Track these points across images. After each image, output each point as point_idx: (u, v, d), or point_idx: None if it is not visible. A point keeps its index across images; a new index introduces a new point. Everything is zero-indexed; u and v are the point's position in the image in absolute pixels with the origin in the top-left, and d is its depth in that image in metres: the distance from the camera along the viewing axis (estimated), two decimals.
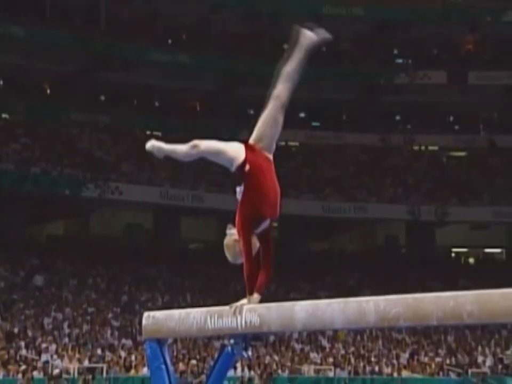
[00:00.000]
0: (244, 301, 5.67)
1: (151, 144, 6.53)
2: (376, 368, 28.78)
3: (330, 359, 28.92)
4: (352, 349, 30.20)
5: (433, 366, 29.54)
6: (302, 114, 43.09)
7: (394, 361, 29.54)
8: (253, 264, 5.80)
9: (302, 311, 5.52)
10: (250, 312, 5.57)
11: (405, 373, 28.73)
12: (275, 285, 34.79)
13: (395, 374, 28.61)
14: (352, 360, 29.08)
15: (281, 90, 6.44)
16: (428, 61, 41.17)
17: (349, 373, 28.28)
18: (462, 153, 41.98)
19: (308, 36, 6.30)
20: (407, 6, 40.37)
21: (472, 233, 41.52)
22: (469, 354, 30.95)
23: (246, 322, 5.54)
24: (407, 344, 31.34)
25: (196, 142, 6.30)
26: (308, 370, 28.14)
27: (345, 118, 43.19)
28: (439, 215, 38.19)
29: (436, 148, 42.43)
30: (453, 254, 43.31)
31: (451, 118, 43.54)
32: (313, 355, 29.27)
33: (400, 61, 42.81)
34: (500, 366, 30.34)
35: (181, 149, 6.33)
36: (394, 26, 40.34)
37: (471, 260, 43.14)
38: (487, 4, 40.73)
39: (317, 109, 42.59)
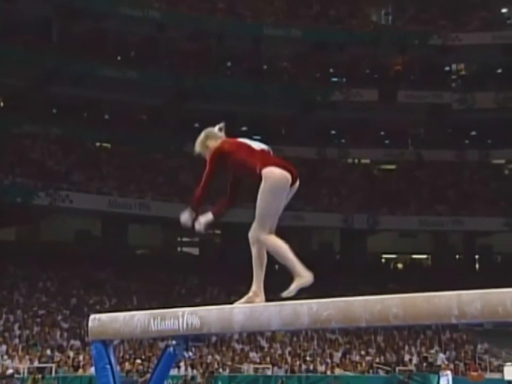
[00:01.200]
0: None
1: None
2: (311, 367, 28.88)
3: (269, 358, 28.95)
4: (289, 348, 30.26)
5: (363, 364, 29.75)
6: (243, 128, 43.09)
7: (328, 360, 29.67)
8: (205, 193, 6.05)
9: (240, 313, 5.52)
10: (191, 315, 5.55)
11: (338, 371, 28.89)
12: (217, 289, 34.77)
13: (328, 372, 28.77)
14: (289, 359, 29.15)
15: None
16: (360, 80, 41.49)
17: (286, 371, 28.35)
18: (392, 166, 42.34)
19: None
20: (342, 29, 40.67)
21: (400, 240, 41.87)
22: (397, 353, 31.23)
23: (187, 324, 5.52)
24: (340, 344, 31.49)
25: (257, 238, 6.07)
26: (248, 369, 28.15)
27: (284, 132, 43.26)
28: (370, 223, 38.44)
29: (367, 161, 42.76)
30: (383, 260, 43.63)
31: (382, 133, 43.85)
32: (252, 354, 29.27)
33: (335, 79, 43.08)
34: (424, 364, 30.68)
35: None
36: (329, 47, 40.55)
37: (400, 265, 43.50)
38: (414, 28, 41.22)
39: (257, 124, 42.61)
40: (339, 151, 41.78)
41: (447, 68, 43.87)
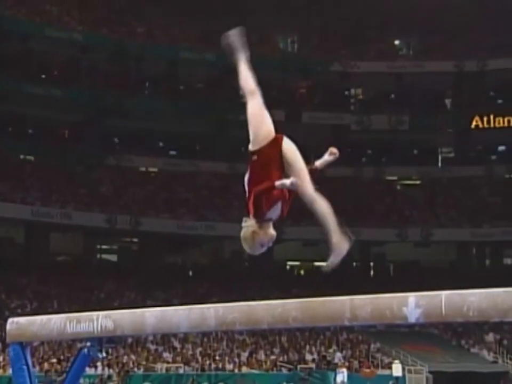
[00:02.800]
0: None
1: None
2: (220, 365, 28.85)
3: (180, 358, 28.81)
4: (200, 349, 30.17)
5: (268, 363, 29.86)
6: (160, 144, 42.95)
7: (236, 359, 29.68)
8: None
9: (152, 316, 5.49)
10: (105, 318, 5.49)
11: (245, 369, 28.94)
12: (134, 293, 34.45)
13: (236, 370, 28.78)
14: (200, 359, 29.06)
15: (254, 89, 5.77)
16: (269, 101, 41.39)
17: (197, 370, 28.26)
18: None
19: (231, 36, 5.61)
20: (252, 54, 40.65)
21: (303, 249, 42.13)
22: (299, 353, 31.44)
23: (101, 327, 5.46)
24: (247, 344, 31.54)
25: (254, 90, 5.69)
26: (161, 368, 27.96)
27: (198, 148, 43.19)
28: (277, 232, 38.56)
29: None
30: (287, 267, 43.84)
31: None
32: (165, 354, 29.10)
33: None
34: (323, 362, 30.97)
35: (245, 75, 5.74)
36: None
37: (303, 272, 43.77)
38: (318, 56, 41.76)
39: (173, 140, 42.53)
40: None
41: (346, 92, 44.52)
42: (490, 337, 34.52)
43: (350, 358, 31.64)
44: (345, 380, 27.35)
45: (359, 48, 42.05)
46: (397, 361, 29.48)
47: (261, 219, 5.24)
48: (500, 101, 43.00)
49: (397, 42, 44.70)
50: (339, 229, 5.38)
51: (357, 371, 30.03)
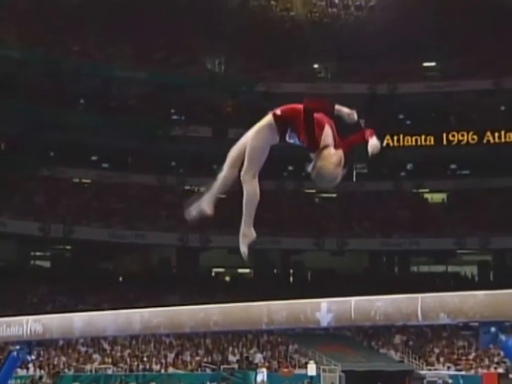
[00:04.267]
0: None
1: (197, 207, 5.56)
2: (148, 366, 28.60)
3: (110, 359, 28.45)
4: (129, 350, 29.86)
5: (193, 363, 29.73)
6: (94, 157, 42.48)
7: (163, 360, 29.46)
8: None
9: (80, 321, 5.39)
10: (35, 322, 5.37)
11: (171, 370, 28.76)
12: (66, 298, 33.89)
13: (163, 371, 28.56)
14: (128, 360, 28.74)
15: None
16: (197, 118, 41.73)
17: (125, 370, 27.95)
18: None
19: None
20: (181, 74, 40.82)
21: (228, 256, 42.05)
22: (222, 354, 31.38)
23: (30, 330, 5.34)
24: (173, 346, 31.35)
25: (243, 177, 5.26)
26: (90, 368, 27.57)
27: (130, 161, 42.84)
28: (203, 241, 38.57)
29: (203, 188, 42.79)
30: (213, 273, 43.76)
31: (214, 165, 44.15)
32: (95, 356, 28.69)
33: (175, 117, 43.14)
34: (245, 363, 30.98)
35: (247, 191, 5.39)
36: (171, 89, 40.64)
37: (227, 278, 43.75)
38: (243, 76, 41.95)
39: (106, 153, 42.08)
40: (177, 179, 41.76)
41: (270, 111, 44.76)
42: (397, 338, 35.08)
43: (269, 358, 31.73)
44: (265, 379, 27.45)
45: (282, 70, 42.42)
46: (311, 361, 29.70)
47: (319, 148, 4.86)
48: (408, 122, 43.87)
49: (316, 65, 45.21)
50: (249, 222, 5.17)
51: (276, 371, 30.16)
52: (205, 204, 5.60)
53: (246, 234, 5.43)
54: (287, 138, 5.10)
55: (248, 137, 5.26)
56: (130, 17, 42.23)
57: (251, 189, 5.33)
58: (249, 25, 44.71)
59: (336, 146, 4.90)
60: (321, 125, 4.85)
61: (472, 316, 4.20)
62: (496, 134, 41.67)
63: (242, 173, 5.20)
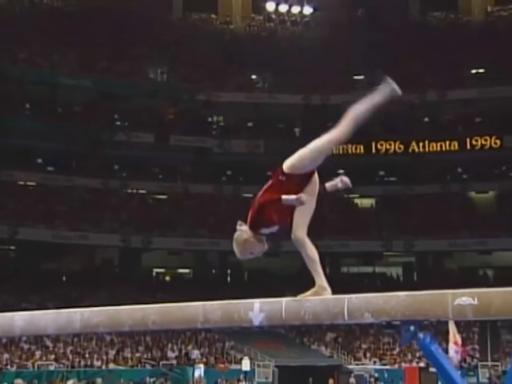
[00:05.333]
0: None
1: None
2: (89, 362, 28.24)
3: (53, 356, 27.99)
4: (71, 347, 29.42)
5: (134, 359, 29.47)
6: (39, 160, 41.77)
7: (104, 357, 29.12)
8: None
9: (21, 320, 5.30)
10: None
11: (112, 366, 28.45)
12: (10, 297, 33.19)
13: (104, 367, 28.24)
14: (70, 356, 28.32)
15: (344, 130, 5.03)
16: (140, 125, 41.44)
17: (67, 366, 27.54)
18: (164, 196, 42.41)
19: (394, 89, 5.20)
20: (125, 81, 40.45)
21: (169, 257, 41.95)
22: (161, 350, 31.18)
23: None
24: (114, 343, 31.01)
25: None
26: (33, 365, 27.09)
27: (74, 165, 42.24)
28: (145, 243, 38.30)
29: (144, 191, 42.56)
30: (154, 274, 43.45)
31: (156, 169, 43.91)
32: (38, 353, 28.19)
33: (119, 123, 42.72)
34: (184, 359, 30.86)
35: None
36: (115, 97, 40.27)
37: (168, 278, 43.50)
38: (185, 85, 41.79)
39: (52, 157, 41.41)
40: (121, 182, 41.37)
41: (209, 119, 44.74)
42: (328, 335, 35.38)
43: (207, 354, 31.65)
44: (202, 374, 27.40)
45: (221, 80, 42.43)
46: (246, 357, 29.74)
47: (254, 232, 4.80)
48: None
49: (254, 76, 45.34)
50: (322, 277, 4.73)
51: (213, 366, 30.11)
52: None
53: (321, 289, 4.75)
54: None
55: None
56: (75, 26, 41.70)
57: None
58: (190, 37, 44.61)
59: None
60: (272, 223, 4.85)
61: (394, 315, 4.27)
62: (421, 144, 42.41)
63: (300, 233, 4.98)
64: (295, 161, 4.87)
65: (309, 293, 4.70)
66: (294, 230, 4.94)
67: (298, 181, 4.84)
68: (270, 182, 4.89)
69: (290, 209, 4.84)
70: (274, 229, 4.87)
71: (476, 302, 4.04)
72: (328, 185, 5.15)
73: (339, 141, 4.98)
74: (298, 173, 4.84)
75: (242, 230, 4.81)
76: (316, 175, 4.96)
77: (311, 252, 4.93)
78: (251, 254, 4.90)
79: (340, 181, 5.16)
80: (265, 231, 4.82)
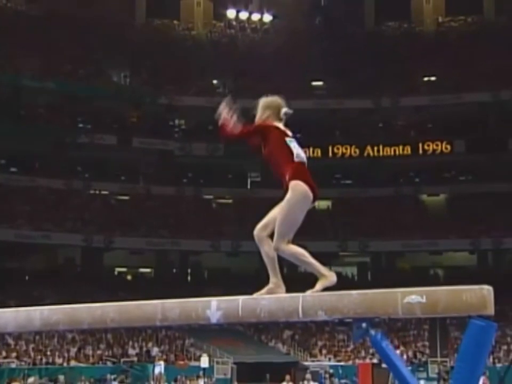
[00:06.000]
0: None
1: None
2: (50, 360, 27.90)
3: (14, 354, 27.59)
4: (33, 345, 29.03)
5: (95, 357, 29.20)
6: (2, 161, 41.19)
7: (66, 354, 28.80)
8: (234, 138, 4.98)
9: None
10: None
11: (73, 363, 28.16)
12: None
13: (65, 364, 27.94)
14: (32, 354, 27.95)
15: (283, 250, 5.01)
16: (103, 127, 41.11)
17: (28, 364, 27.16)
18: (126, 197, 42.14)
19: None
20: (88, 84, 40.11)
21: (130, 256, 41.68)
22: (122, 348, 30.94)
23: None
24: (76, 340, 30.68)
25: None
26: None
27: (38, 166, 41.72)
28: (107, 243, 37.99)
29: (107, 192, 42.23)
30: (116, 273, 43.14)
31: (119, 171, 43.61)
32: None
33: (82, 125, 42.31)
34: (144, 356, 30.67)
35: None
36: (79, 99, 39.89)
37: (129, 277, 43.22)
38: (147, 89, 41.52)
39: (16, 158, 40.87)
40: (84, 183, 41.00)
41: (171, 122, 44.59)
42: (285, 333, 35.47)
43: (167, 352, 31.49)
44: (162, 371, 27.25)
45: (183, 84, 42.33)
46: (205, 354, 29.67)
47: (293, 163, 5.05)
48: (298, 135, 44.20)
49: (215, 81, 45.31)
50: (277, 274, 4.81)
51: (173, 363, 29.98)
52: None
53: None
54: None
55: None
56: (39, 30, 41.22)
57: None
58: (153, 42, 44.45)
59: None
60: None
61: (347, 313, 4.28)
62: (375, 148, 42.80)
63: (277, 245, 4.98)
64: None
65: (263, 290, 4.75)
66: (256, 228, 5.09)
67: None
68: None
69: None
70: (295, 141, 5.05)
71: (424, 300, 4.08)
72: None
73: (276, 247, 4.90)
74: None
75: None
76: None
77: (269, 249, 4.94)
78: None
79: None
80: (292, 152, 5.03)
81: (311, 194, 4.95)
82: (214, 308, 4.60)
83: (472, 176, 42.81)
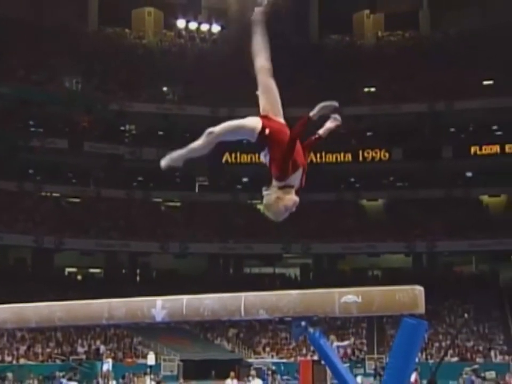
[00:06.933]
0: None
1: (167, 158, 4.80)
2: (0, 358, 27.35)
3: None
4: None
5: (44, 355, 28.72)
6: None
7: (15, 352, 28.25)
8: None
9: None
10: None
11: (22, 361, 27.68)
12: None
13: (14, 362, 27.42)
14: None
15: (261, 61, 5.00)
16: (55, 131, 40.50)
17: None
18: (77, 200, 41.54)
19: (256, 11, 4.95)
20: (41, 90, 39.47)
21: (81, 257, 41.13)
22: (71, 346, 30.50)
23: None
24: (25, 339, 30.11)
25: (209, 129, 4.78)
26: None
27: None
28: (57, 244, 37.43)
29: (58, 194, 41.55)
30: (66, 273, 42.49)
31: (70, 174, 42.98)
32: None
33: (34, 129, 41.59)
34: (93, 354, 30.30)
35: (197, 144, 4.76)
36: (31, 104, 39.25)
37: (79, 277, 42.63)
38: (98, 95, 41.04)
39: None
40: (35, 185, 40.31)
41: (122, 128, 44.18)
42: (230, 331, 35.45)
43: (115, 349, 31.15)
44: (110, 368, 26.97)
45: (134, 91, 42.02)
46: (151, 352, 29.48)
47: (284, 182, 4.52)
48: (245, 141, 44.26)
49: (165, 88, 45.06)
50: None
51: (121, 361, 29.68)
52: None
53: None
54: (261, 156, 4.80)
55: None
56: None
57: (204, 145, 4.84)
58: (105, 49, 44.02)
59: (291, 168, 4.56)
60: (297, 164, 4.59)
61: (287, 312, 4.30)
62: (318, 155, 43.11)
63: (211, 129, 4.84)
64: (263, 111, 4.85)
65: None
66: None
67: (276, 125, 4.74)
68: (266, 144, 4.71)
69: (302, 150, 4.72)
70: (299, 174, 4.62)
71: (359, 299, 4.12)
72: (321, 131, 5.07)
73: (268, 70, 4.95)
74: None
75: (269, 191, 4.54)
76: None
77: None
78: (286, 210, 4.56)
79: (331, 120, 5.08)
80: (293, 179, 4.57)
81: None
82: (159, 307, 4.58)
83: (408, 182, 43.50)
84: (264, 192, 4.56)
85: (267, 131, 4.64)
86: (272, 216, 4.58)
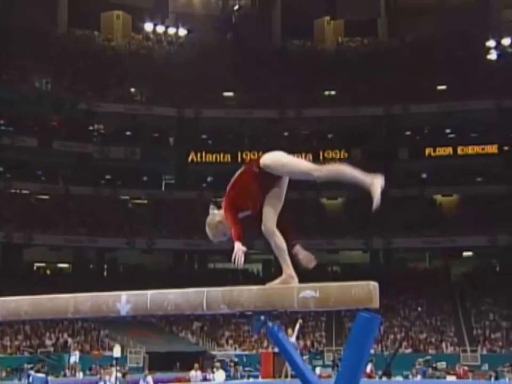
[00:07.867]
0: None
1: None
2: None
3: None
4: None
5: (12, 347, 28.31)
6: None
7: None
8: (240, 226, 4.49)
9: None
10: None
11: None
12: None
13: None
14: None
15: (324, 173, 4.91)
16: (25, 129, 39.91)
17: None
18: (46, 197, 41.01)
19: (375, 185, 4.83)
20: (11, 89, 38.81)
21: (50, 253, 40.59)
22: (40, 338, 30.12)
23: None
24: None
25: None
26: None
27: None
28: (26, 239, 36.92)
29: (27, 191, 40.94)
30: (35, 268, 41.91)
31: (39, 171, 42.42)
32: None
33: (4, 128, 40.90)
34: (60, 346, 29.98)
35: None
36: (1, 102, 38.49)
37: (48, 272, 42.09)
38: (68, 95, 40.50)
39: None
40: (5, 183, 39.70)
41: (90, 127, 43.71)
42: (194, 324, 35.36)
43: (83, 342, 30.84)
44: (77, 360, 26.72)
45: (102, 92, 41.64)
46: (117, 345, 29.24)
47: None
48: (210, 142, 44.45)
49: (132, 89, 44.74)
50: (289, 265, 4.61)
51: (88, 353, 29.41)
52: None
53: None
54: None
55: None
56: None
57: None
58: (74, 51, 43.57)
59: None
60: (246, 207, 4.64)
61: (247, 306, 4.31)
62: None
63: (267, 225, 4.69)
64: (271, 161, 4.68)
65: (277, 281, 4.55)
66: (264, 222, 4.78)
67: (271, 177, 4.69)
68: (243, 168, 4.71)
69: (260, 199, 4.66)
70: (247, 213, 4.62)
71: (317, 294, 4.14)
72: (297, 248, 5.04)
73: (312, 176, 4.88)
74: (270, 171, 4.64)
75: (215, 213, 4.59)
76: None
77: (280, 241, 4.81)
78: (224, 236, 4.64)
79: (305, 255, 5.00)
80: (240, 215, 4.59)
81: None
82: (124, 301, 4.55)
83: None
84: (211, 211, 4.61)
85: (256, 170, 4.65)
86: (210, 235, 4.65)
